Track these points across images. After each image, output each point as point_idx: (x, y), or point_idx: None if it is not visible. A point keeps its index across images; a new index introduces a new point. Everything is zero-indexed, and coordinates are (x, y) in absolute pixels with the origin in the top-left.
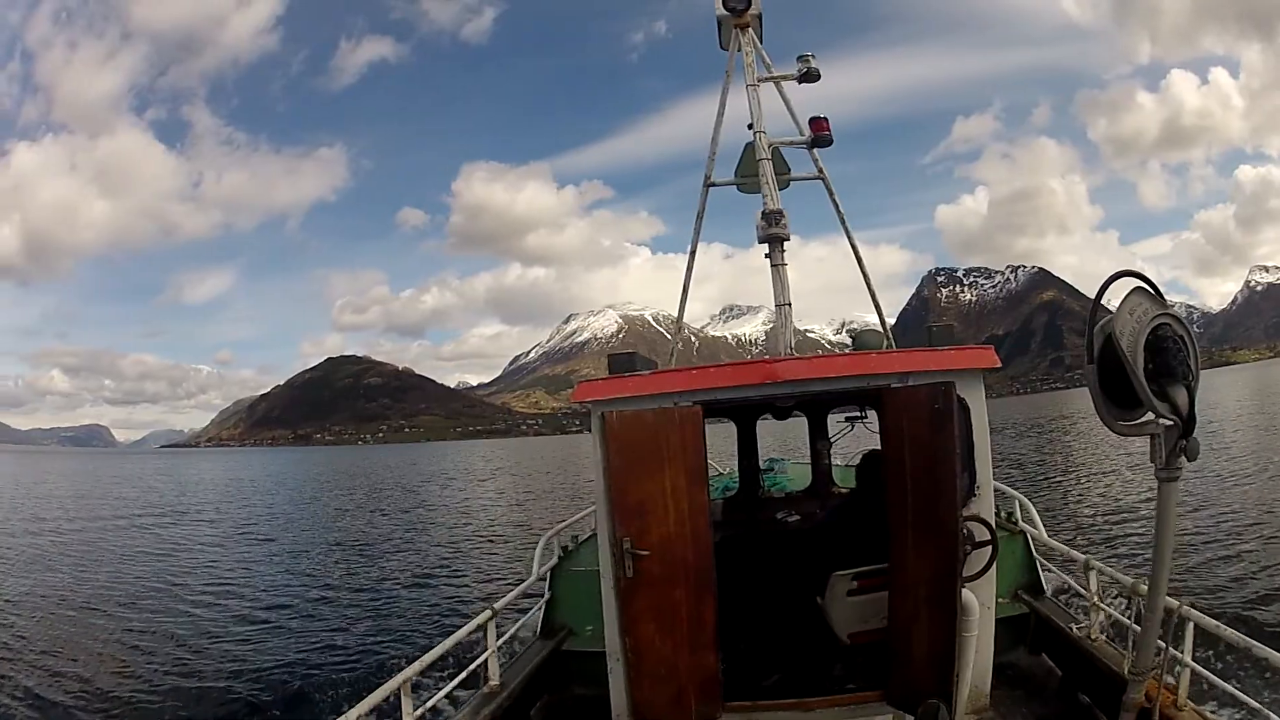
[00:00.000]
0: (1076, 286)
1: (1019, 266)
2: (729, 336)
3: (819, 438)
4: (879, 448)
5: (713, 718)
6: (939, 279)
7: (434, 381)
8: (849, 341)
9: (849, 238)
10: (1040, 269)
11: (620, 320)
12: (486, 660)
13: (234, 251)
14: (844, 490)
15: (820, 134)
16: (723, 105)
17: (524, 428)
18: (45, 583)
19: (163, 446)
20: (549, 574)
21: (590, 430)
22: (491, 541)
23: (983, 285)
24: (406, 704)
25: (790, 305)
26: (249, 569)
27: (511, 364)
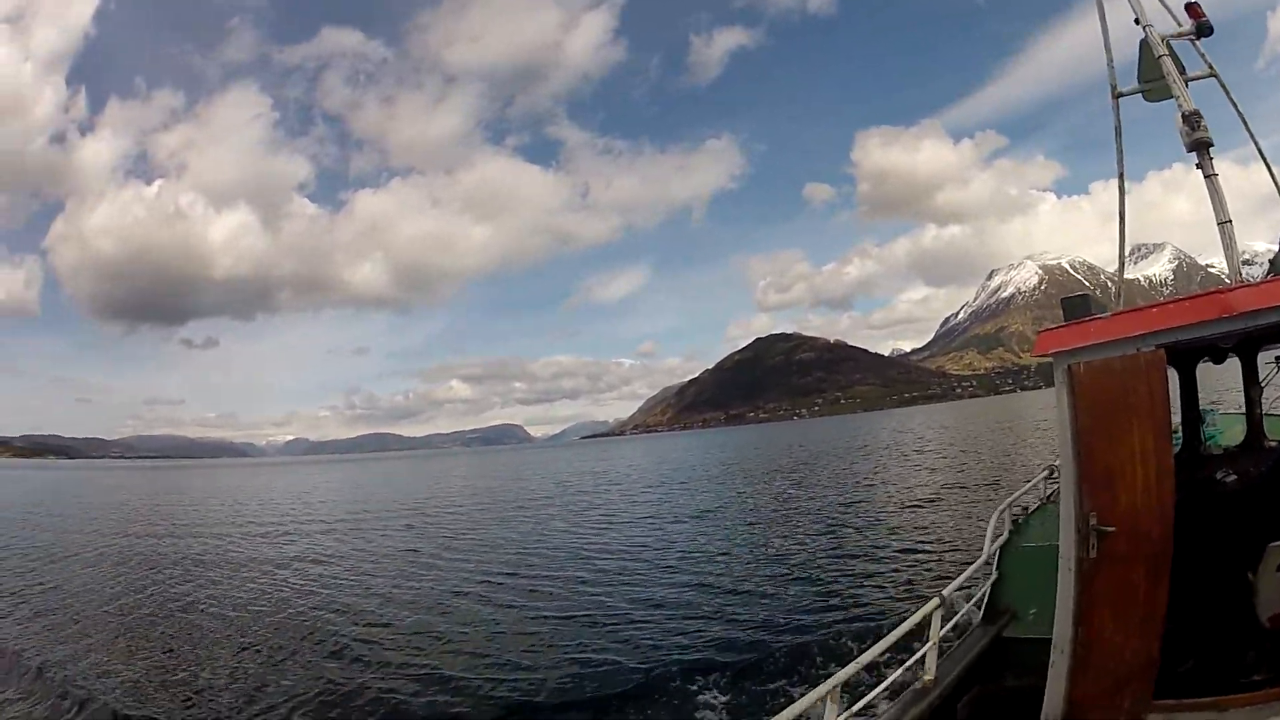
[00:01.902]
0: None
1: None
2: (1141, 279)
3: (1251, 383)
4: None
5: (1141, 717)
6: None
7: (866, 351)
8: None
9: (1255, 142)
10: None
11: (1040, 271)
12: (925, 653)
13: (641, 249)
14: (1275, 444)
15: (1200, 20)
16: (1102, 5)
17: (958, 391)
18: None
19: (584, 437)
20: (998, 552)
21: (1054, 386)
22: (941, 515)
23: None
24: (831, 710)
25: (1231, 223)
26: (668, 548)
27: (943, 326)
